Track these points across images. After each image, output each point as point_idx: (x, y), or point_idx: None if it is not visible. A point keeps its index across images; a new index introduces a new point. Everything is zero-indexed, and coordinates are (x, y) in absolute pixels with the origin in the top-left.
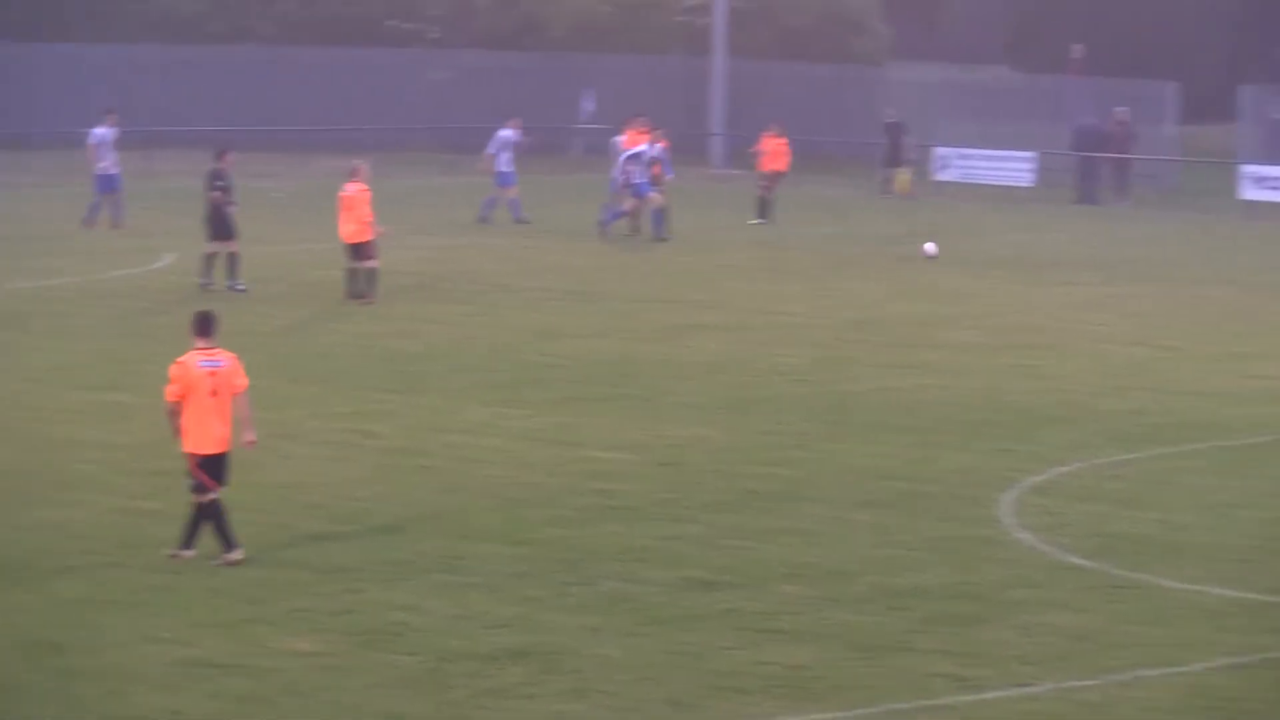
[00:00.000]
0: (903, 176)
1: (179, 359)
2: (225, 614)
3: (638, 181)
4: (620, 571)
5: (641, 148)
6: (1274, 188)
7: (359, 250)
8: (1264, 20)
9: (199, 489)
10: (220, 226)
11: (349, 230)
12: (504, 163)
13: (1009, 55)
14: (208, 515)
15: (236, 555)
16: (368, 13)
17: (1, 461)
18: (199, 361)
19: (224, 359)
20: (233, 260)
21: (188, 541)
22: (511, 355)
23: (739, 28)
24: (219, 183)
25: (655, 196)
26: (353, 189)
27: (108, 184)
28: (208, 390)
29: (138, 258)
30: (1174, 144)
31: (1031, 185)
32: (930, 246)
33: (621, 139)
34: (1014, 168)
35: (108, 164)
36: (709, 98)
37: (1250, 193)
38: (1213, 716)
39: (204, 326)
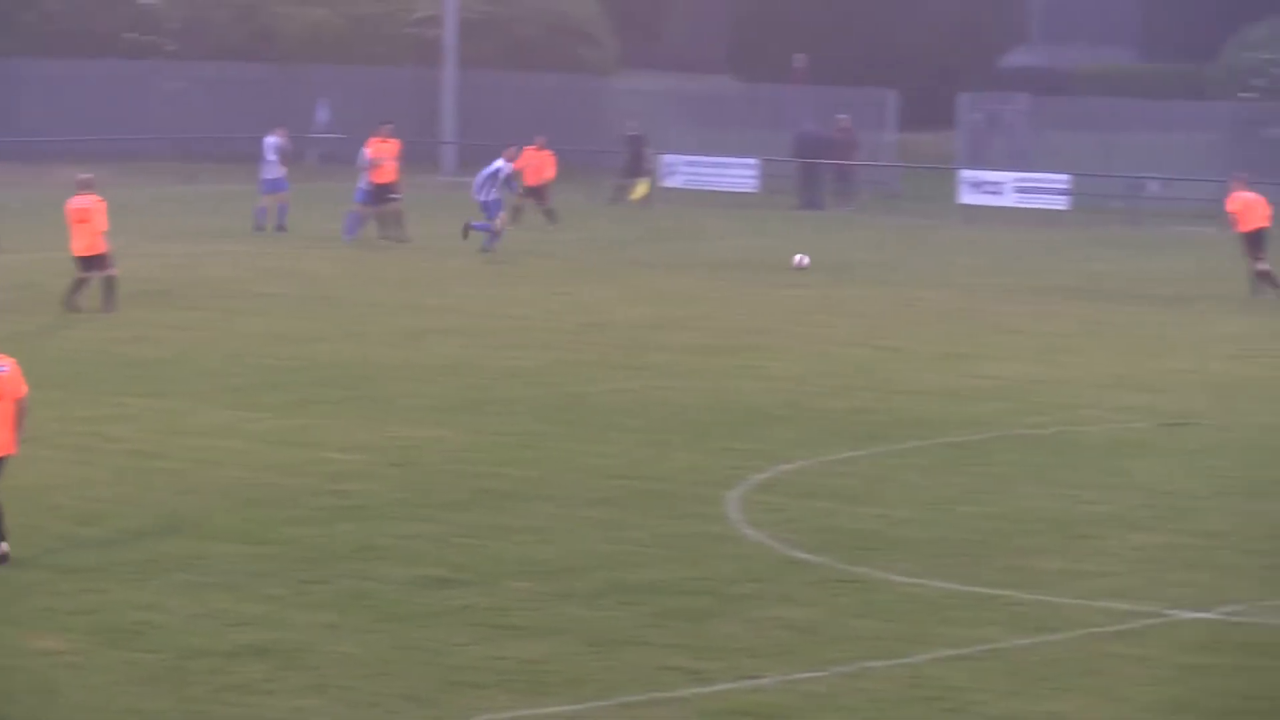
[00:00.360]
0: (641, 185)
1: None
2: None
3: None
4: (357, 570)
5: (498, 165)
6: (990, 192)
7: (93, 262)
8: (980, 30)
9: None
10: None
11: (82, 244)
12: (273, 170)
13: (732, 65)
14: None
15: (3, 547)
16: (106, 26)
17: None
18: None
19: (6, 364)
20: None
21: None
22: (249, 359)
23: (468, 39)
24: None
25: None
26: (84, 202)
27: None
28: None
29: None
30: (895, 150)
31: (755, 191)
32: (800, 258)
33: (367, 150)
34: (738, 174)
35: None
36: (440, 107)
37: (967, 197)
38: (935, 706)
39: None
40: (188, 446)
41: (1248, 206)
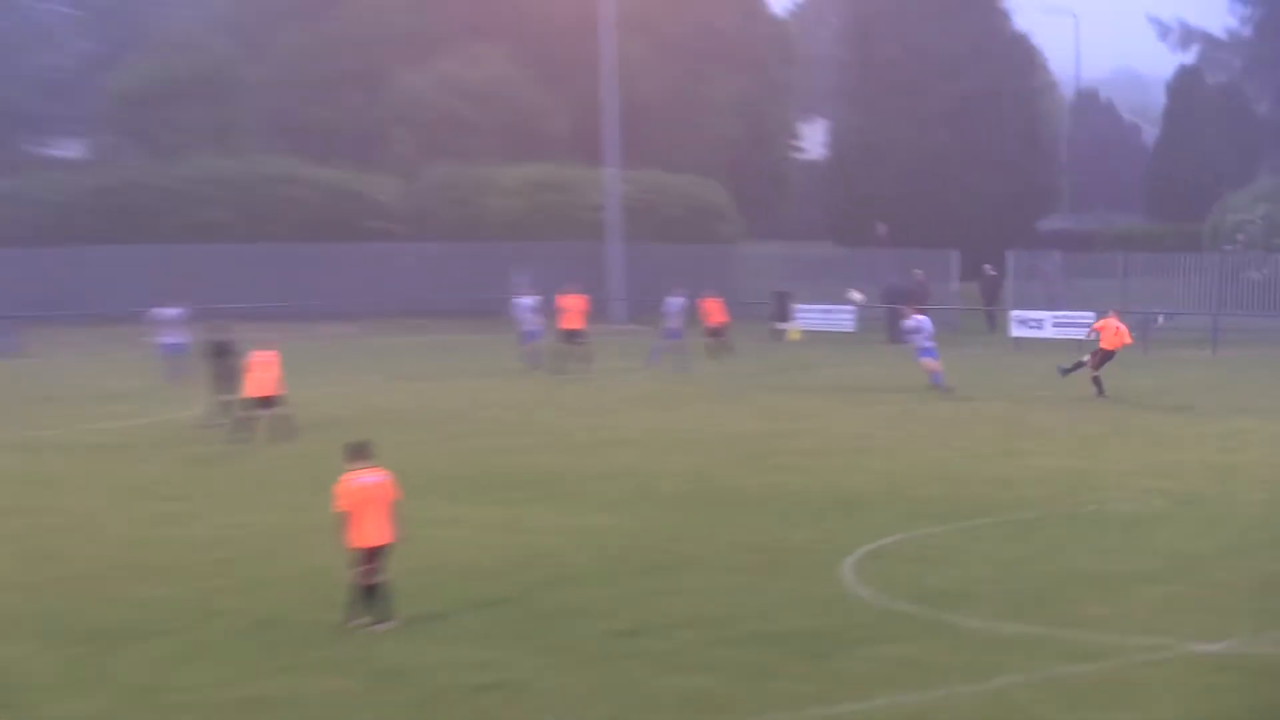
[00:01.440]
0: (794, 330)
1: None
2: None
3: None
4: (562, 624)
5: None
6: (1033, 327)
7: (269, 402)
8: (1022, 201)
9: None
10: None
11: (260, 388)
12: (531, 323)
13: (833, 233)
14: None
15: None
16: (352, 216)
17: None
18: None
19: (380, 474)
20: None
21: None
22: (470, 468)
23: (629, 219)
24: None
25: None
26: (266, 355)
27: None
28: None
29: None
30: (958, 296)
31: (853, 330)
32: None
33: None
34: (841, 318)
35: None
36: (609, 272)
37: (1016, 331)
38: (1014, 717)
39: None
40: (428, 537)
41: (1117, 331)
